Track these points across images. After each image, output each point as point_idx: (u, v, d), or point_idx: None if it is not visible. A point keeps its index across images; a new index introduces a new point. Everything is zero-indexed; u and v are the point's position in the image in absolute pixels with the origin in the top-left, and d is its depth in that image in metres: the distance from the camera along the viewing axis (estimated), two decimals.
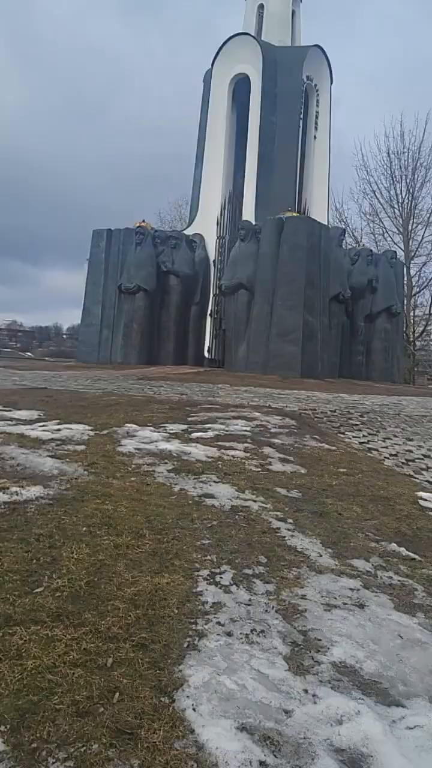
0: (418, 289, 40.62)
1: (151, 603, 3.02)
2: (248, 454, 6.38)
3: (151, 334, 24.26)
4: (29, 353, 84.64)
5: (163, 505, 4.47)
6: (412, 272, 39.32)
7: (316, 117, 26.87)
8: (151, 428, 7.23)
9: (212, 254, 25.74)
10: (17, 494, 4.32)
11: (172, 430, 7.25)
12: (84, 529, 3.85)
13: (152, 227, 26.92)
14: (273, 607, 3.18)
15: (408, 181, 38.48)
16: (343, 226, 29.45)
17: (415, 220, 39.19)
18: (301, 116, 25.46)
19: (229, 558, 3.69)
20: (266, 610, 3.13)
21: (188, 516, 4.31)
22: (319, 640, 2.92)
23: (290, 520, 4.50)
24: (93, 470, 5.19)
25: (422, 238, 39.05)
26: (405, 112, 44.13)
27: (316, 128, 26.86)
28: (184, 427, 7.50)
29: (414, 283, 39.85)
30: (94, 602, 2.98)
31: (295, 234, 19.96)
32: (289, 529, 4.30)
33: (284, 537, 4.14)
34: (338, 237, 22.61)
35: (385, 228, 40.01)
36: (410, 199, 38.74)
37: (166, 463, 5.70)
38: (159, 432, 7.04)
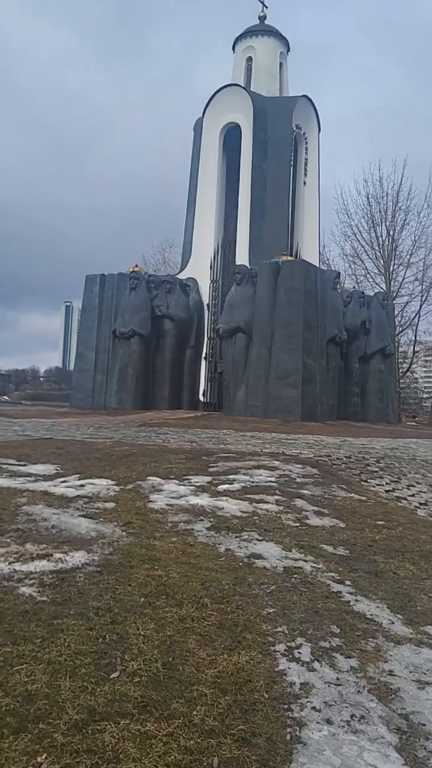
0: (400, 329, 41.07)
1: (238, 687, 2.79)
2: (281, 508, 6.18)
3: (146, 379, 24.11)
4: (6, 397, 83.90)
5: (215, 569, 4.25)
6: (395, 312, 39.80)
7: (306, 164, 27.41)
8: (176, 481, 7.01)
9: (206, 298, 25.83)
10: (62, 561, 4.08)
11: (197, 482, 7.03)
12: (142, 599, 3.61)
13: (145, 272, 27.06)
14: (364, 686, 2.95)
15: (388, 224, 39.33)
16: (338, 270, 29.72)
17: (396, 261, 39.90)
18: (292, 163, 25.97)
19: (301, 629, 3.46)
20: (358, 691, 2.91)
21: (243, 581, 4.09)
22: (424, 725, 2.70)
23: (348, 582, 4.28)
24: (131, 530, 4.96)
25: (403, 278, 39.77)
26: (383, 158, 45.24)
27: (305, 174, 27.37)
28: (208, 479, 7.29)
29: (396, 323, 40.34)
30: (177, 688, 2.74)
31: (292, 277, 20.10)
32: (350, 593, 4.09)
33: (349, 602, 3.92)
34: (333, 280, 22.79)
35: (366, 269, 40.65)
36: (390, 241, 39.53)
37: (202, 519, 5.47)
38: (184, 485, 6.82)
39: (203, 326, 25.77)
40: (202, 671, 2.89)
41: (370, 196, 39.66)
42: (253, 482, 7.23)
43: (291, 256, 23.34)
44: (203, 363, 25.81)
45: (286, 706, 2.71)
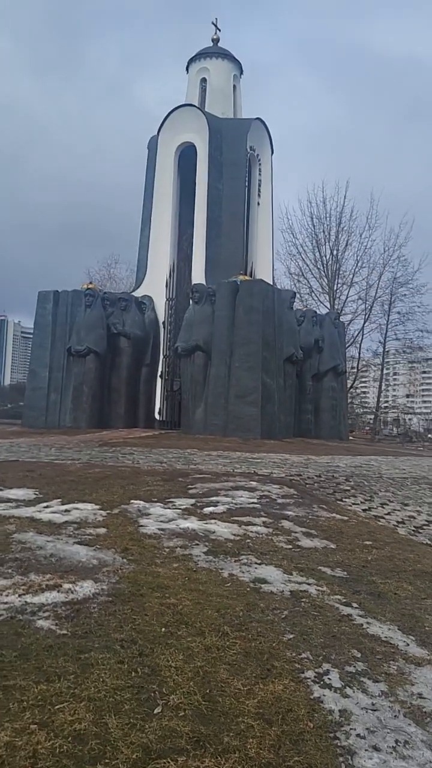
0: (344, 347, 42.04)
1: (281, 717, 2.80)
2: (271, 530, 6.21)
3: (101, 397, 23.88)
4: None
5: (224, 595, 4.24)
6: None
7: (259, 184, 27.90)
8: (160, 504, 6.97)
9: (162, 316, 25.82)
10: (72, 592, 4.01)
11: (181, 505, 7.01)
12: (162, 629, 3.58)
13: (100, 289, 26.90)
14: (399, 710, 3.00)
15: (331, 244, 40.39)
16: (294, 290, 30.24)
17: (339, 281, 40.92)
18: (246, 184, 26.35)
19: (324, 654, 3.50)
20: (395, 716, 2.95)
21: (255, 606, 4.10)
22: None
23: (355, 605, 4.34)
24: (130, 557, 4.90)
25: (347, 297, 40.86)
26: (326, 179, 46.79)
27: (259, 195, 27.84)
28: (191, 501, 7.27)
29: None
30: (223, 720, 2.73)
31: (251, 296, 20.32)
32: (360, 615, 4.14)
33: (362, 625, 3.98)
34: (289, 299, 23.16)
35: (311, 287, 41.56)
36: (334, 260, 40.56)
37: (197, 544, 5.46)
38: (170, 509, 6.79)
39: (159, 344, 25.74)
40: (242, 702, 2.89)
41: (314, 216, 40.68)
42: (236, 504, 7.25)
43: (247, 275, 23.61)
44: (159, 381, 25.74)
45: (332, 735, 2.73)
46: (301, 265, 41.26)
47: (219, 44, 29.10)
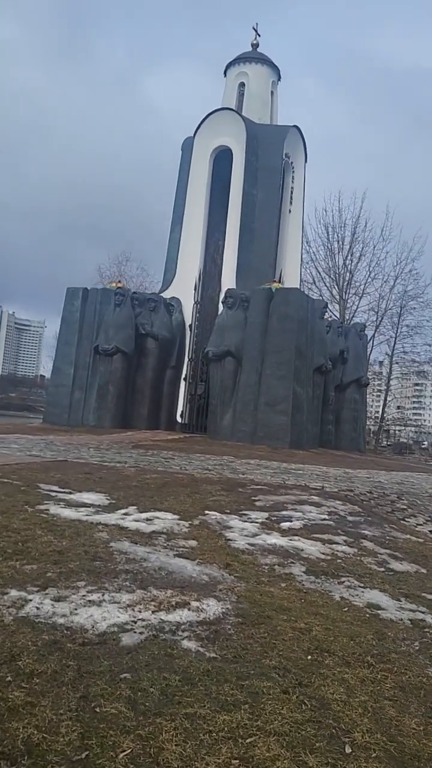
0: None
1: None
2: (355, 550, 6.13)
3: (125, 397, 23.79)
4: None
5: (348, 621, 4.15)
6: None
7: (291, 192, 27.81)
8: (236, 517, 6.88)
9: (188, 318, 25.74)
10: (202, 611, 3.92)
11: (256, 519, 6.92)
12: (308, 657, 3.49)
13: (128, 288, 26.83)
14: None
15: (345, 253, 40.29)
16: (325, 300, 30.19)
17: (350, 291, 40.86)
18: (280, 191, 26.29)
19: None
20: None
21: (384, 636, 4.00)
22: None
23: None
24: (236, 575, 4.82)
25: (357, 307, 40.80)
26: (343, 190, 46.92)
27: (291, 203, 27.77)
28: (264, 515, 7.19)
29: None
30: (417, 765, 2.64)
31: (286, 305, 20.25)
32: None
33: None
34: (321, 309, 23.09)
35: (322, 296, 41.43)
36: (346, 270, 40.51)
37: (292, 563, 5.37)
38: (247, 522, 6.71)
39: (184, 347, 25.65)
40: (426, 744, 2.80)
41: (329, 225, 40.59)
42: (309, 520, 7.17)
43: (278, 282, 23.55)
44: (182, 384, 25.65)
45: None
46: (313, 273, 41.18)
47: (258, 49, 29.08)
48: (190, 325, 25.72)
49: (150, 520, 6.25)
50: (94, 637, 3.40)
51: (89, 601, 3.87)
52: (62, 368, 24.56)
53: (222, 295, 23.59)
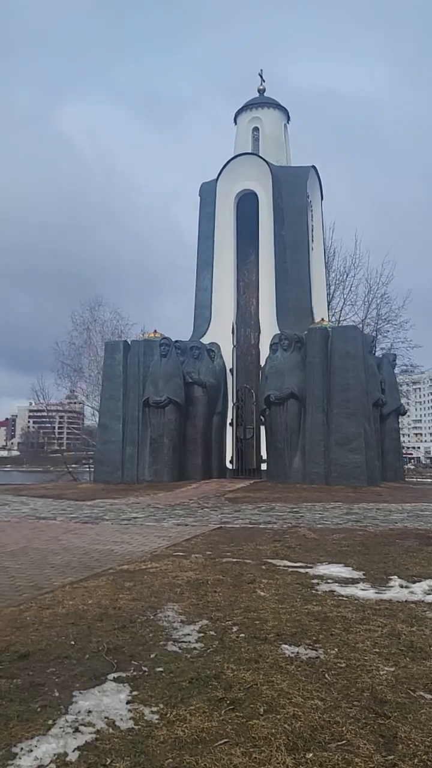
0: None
1: None
2: None
3: (180, 448, 23.44)
4: None
5: None
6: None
7: (312, 230, 28.15)
8: None
9: (228, 363, 25.65)
10: None
11: None
12: None
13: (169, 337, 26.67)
14: None
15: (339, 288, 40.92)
16: (373, 334, 30.37)
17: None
18: (307, 230, 26.60)
19: None
20: None
21: None
22: None
23: None
24: None
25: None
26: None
27: (312, 240, 28.08)
28: None
29: None
30: None
31: (345, 342, 20.29)
32: None
33: None
34: (371, 344, 23.20)
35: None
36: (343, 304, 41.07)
37: None
38: None
39: (228, 392, 25.49)
40: None
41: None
42: None
43: (326, 320, 23.63)
44: (229, 429, 25.41)
45: None
46: None
47: (265, 94, 29.72)
48: (231, 369, 25.62)
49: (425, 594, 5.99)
50: None
51: None
52: (109, 424, 24.15)
53: (261, 337, 23.65)
